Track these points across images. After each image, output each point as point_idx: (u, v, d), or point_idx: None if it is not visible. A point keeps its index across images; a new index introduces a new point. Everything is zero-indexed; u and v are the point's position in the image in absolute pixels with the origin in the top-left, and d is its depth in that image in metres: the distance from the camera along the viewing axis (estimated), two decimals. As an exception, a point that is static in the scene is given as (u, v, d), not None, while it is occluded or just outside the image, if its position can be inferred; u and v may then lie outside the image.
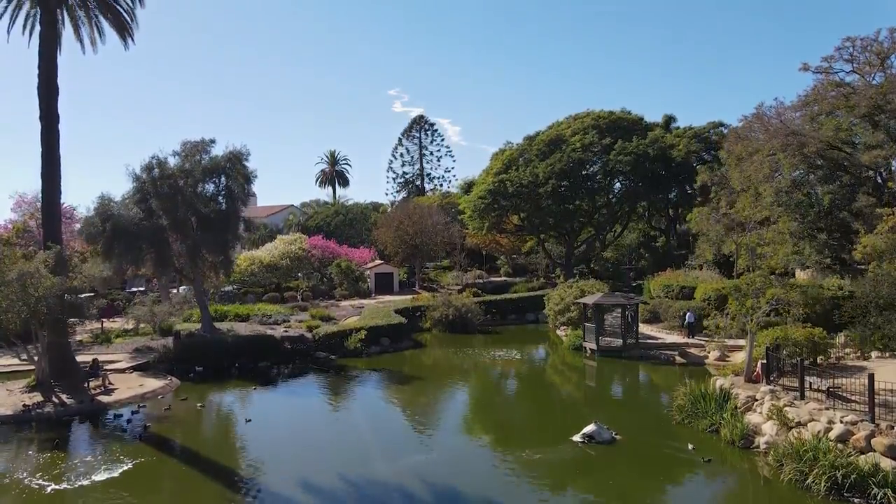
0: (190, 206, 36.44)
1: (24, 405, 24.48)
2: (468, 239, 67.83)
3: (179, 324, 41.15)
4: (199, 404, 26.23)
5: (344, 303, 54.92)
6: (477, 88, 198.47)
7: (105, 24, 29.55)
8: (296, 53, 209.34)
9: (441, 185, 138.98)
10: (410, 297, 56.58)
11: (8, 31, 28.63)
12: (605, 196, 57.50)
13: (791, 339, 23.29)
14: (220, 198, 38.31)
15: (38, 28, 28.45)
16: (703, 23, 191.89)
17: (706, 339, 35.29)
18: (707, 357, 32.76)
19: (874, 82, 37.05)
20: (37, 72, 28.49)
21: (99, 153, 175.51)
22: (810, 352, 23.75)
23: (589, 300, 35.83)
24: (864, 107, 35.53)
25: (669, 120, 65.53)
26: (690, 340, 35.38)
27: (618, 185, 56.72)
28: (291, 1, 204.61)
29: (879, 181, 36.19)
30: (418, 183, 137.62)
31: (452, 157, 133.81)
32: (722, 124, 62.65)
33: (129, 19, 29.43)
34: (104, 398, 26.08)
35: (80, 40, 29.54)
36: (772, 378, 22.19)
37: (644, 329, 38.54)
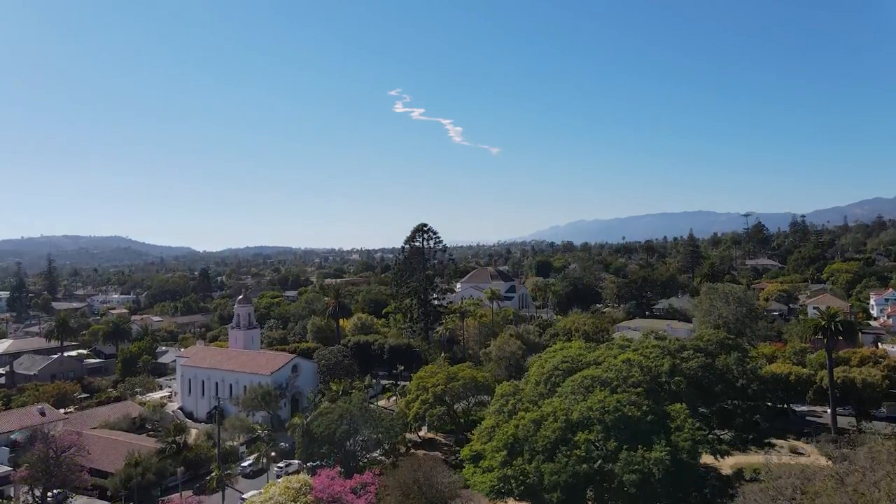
0: None
1: None
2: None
3: None
4: None
5: None
6: (478, 90, 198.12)
7: None
8: (296, 55, 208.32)
9: (444, 298, 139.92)
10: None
11: None
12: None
13: None
14: None
15: None
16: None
17: None
18: None
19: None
20: None
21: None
22: None
23: None
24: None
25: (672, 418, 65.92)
26: None
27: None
28: (292, 4, 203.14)
29: None
30: (423, 295, 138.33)
31: (454, 261, 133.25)
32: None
33: None
34: None
35: None
36: None
37: None
